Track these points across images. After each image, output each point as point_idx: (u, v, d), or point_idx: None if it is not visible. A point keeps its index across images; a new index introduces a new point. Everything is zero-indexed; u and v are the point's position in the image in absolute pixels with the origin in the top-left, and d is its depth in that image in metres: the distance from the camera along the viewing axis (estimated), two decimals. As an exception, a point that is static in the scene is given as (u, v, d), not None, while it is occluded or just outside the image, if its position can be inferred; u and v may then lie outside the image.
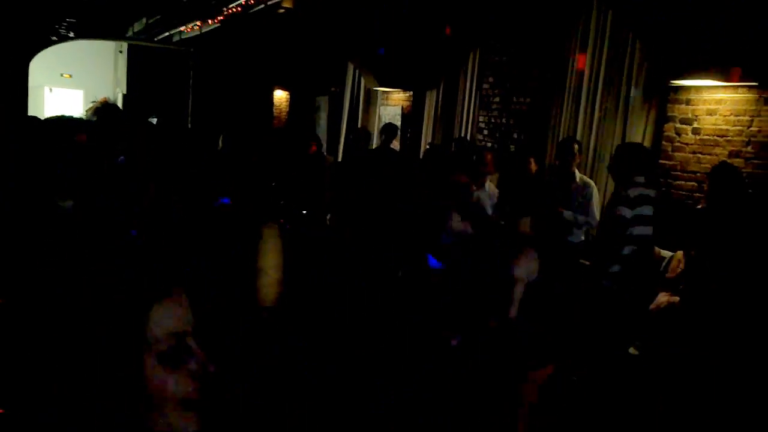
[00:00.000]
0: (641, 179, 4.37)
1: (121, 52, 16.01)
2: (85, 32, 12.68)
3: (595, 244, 4.80)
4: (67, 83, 15.88)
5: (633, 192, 4.34)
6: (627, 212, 4.30)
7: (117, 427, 0.95)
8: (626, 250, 4.33)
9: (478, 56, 8.28)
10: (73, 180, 2.63)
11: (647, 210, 4.34)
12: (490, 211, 5.61)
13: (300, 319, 4.19)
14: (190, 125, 13.70)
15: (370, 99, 10.94)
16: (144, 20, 13.30)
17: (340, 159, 10.76)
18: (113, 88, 16.14)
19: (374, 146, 9.81)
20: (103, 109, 7.70)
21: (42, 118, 3.48)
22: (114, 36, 14.58)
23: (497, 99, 8.03)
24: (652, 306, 5.02)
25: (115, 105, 13.62)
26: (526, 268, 3.18)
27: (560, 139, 6.48)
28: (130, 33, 14.45)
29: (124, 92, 15.45)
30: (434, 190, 5.42)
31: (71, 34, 12.40)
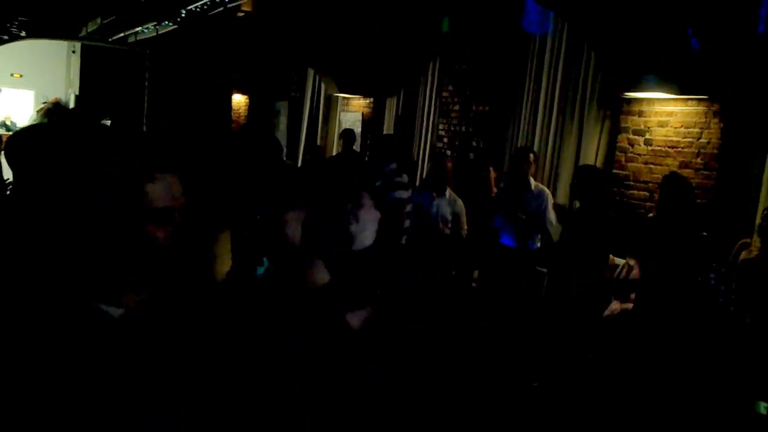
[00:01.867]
0: (393, 165, 5.05)
1: (74, 52, 15.61)
2: (37, 31, 12.33)
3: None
4: (17, 83, 15.43)
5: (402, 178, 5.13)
6: (405, 194, 4.98)
7: (118, 426, 0.96)
8: (407, 224, 5.04)
9: (438, 64, 8.35)
10: (75, 186, 2.52)
11: (401, 194, 5.03)
12: (449, 218, 5.67)
13: (295, 320, 4.18)
14: (145, 128, 13.44)
15: (331, 105, 10.92)
16: (99, 20, 13.00)
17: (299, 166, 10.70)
18: (65, 88, 15.73)
19: (335, 152, 9.80)
20: (54, 111, 7.46)
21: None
22: (67, 36, 14.21)
23: (457, 107, 8.11)
24: (606, 313, 5.13)
25: (65, 106, 13.24)
26: None
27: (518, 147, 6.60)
28: (83, 33, 14.10)
29: (77, 93, 15.07)
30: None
31: (23, 33, 12.05)
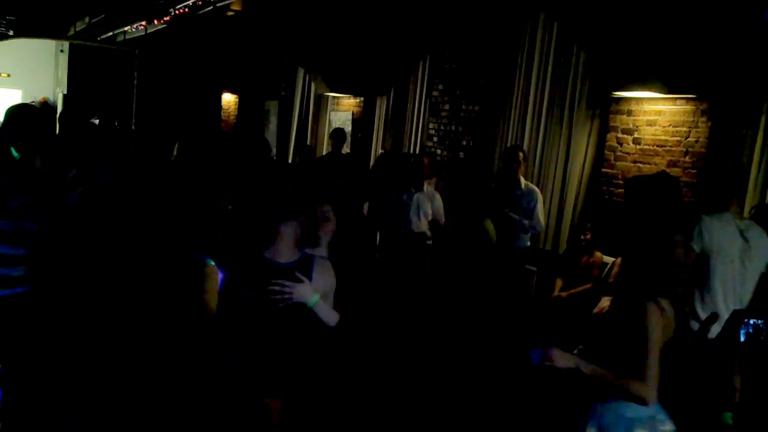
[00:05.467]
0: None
1: (62, 51, 15.50)
2: (25, 30, 12.25)
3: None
4: (4, 83, 15.28)
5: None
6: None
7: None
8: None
9: (428, 63, 8.35)
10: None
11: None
12: (429, 212, 5.97)
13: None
14: (133, 128, 13.37)
15: (321, 104, 10.90)
16: (87, 19, 12.93)
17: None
18: (53, 88, 15.62)
19: (324, 152, 9.80)
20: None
21: None
22: (55, 35, 14.13)
23: (447, 106, 8.12)
24: (595, 310, 5.15)
25: (53, 106, 13.12)
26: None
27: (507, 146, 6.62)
28: (72, 32, 14.02)
29: (65, 92, 14.98)
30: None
31: (10, 32, 11.96)
